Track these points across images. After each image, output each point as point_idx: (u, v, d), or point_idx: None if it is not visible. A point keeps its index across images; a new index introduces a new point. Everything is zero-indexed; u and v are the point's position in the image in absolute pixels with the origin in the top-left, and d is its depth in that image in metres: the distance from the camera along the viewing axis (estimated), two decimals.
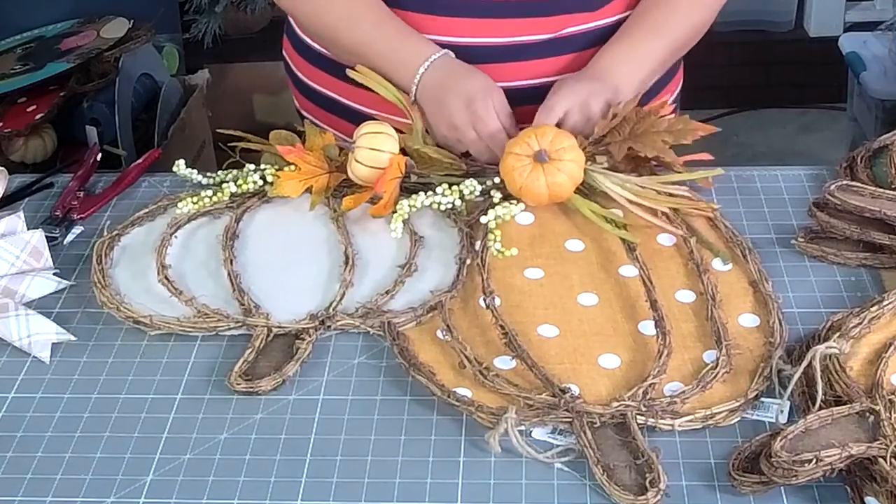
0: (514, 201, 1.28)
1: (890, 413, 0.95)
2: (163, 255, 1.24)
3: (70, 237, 1.32)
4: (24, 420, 1.06)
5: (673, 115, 1.45)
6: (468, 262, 1.20)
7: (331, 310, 1.15)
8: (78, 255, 1.28)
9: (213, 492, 0.97)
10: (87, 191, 1.40)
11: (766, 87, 3.58)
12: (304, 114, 1.53)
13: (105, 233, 1.29)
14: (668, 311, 1.12)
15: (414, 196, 1.27)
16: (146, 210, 1.33)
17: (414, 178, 1.31)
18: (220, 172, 1.37)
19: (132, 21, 2.58)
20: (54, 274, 1.24)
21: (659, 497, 0.92)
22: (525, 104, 1.34)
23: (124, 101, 2.42)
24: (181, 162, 1.37)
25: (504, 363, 1.08)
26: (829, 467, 0.91)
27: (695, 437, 1.00)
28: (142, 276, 1.22)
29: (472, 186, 1.29)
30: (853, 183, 1.26)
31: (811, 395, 1.00)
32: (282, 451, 1.01)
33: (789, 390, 1.01)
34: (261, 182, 1.34)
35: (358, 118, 1.40)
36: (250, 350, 1.10)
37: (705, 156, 1.31)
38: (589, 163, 1.28)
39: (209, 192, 1.32)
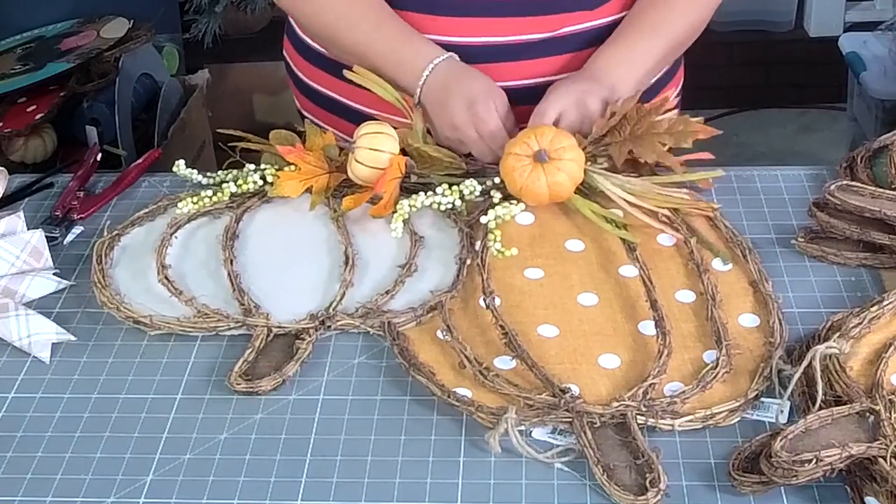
0: (514, 201, 1.28)
1: (890, 413, 0.95)
2: (163, 255, 1.24)
3: (70, 237, 1.32)
4: (24, 420, 1.06)
5: (676, 111, 1.45)
6: (468, 262, 1.20)
7: (331, 310, 1.15)
8: (78, 255, 1.28)
9: (213, 492, 0.97)
10: (87, 191, 1.40)
11: (766, 87, 3.58)
12: (305, 114, 1.53)
13: (105, 233, 1.29)
14: (668, 311, 1.12)
15: (414, 196, 1.27)
16: (146, 210, 1.33)
17: (414, 178, 1.31)
18: (220, 172, 1.37)
19: (132, 21, 2.58)
20: (54, 274, 1.24)
21: (659, 497, 0.92)
22: (524, 104, 1.34)
23: (124, 101, 2.42)
24: (181, 162, 1.37)
25: (504, 363, 1.08)
26: (829, 467, 0.91)
27: (695, 437, 1.00)
28: (142, 276, 1.22)
29: (472, 186, 1.29)
30: (853, 183, 1.26)
31: (811, 395, 1.00)
32: (282, 451, 1.01)
33: (789, 390, 1.01)
34: (261, 182, 1.34)
35: (358, 118, 1.40)
36: (250, 350, 1.10)
37: (705, 155, 1.31)
38: (589, 163, 1.28)
39: (209, 192, 1.32)
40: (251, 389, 1.06)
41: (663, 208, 1.26)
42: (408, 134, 1.34)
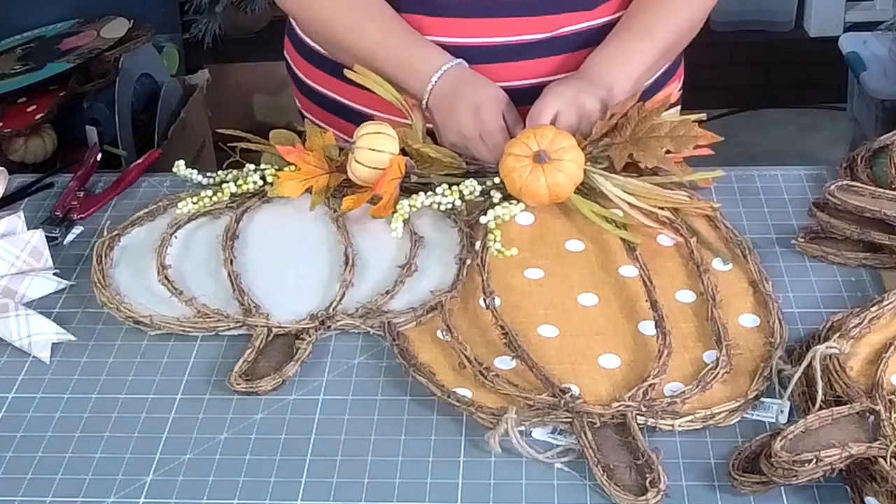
0: (514, 201, 1.28)
1: (890, 413, 0.95)
2: (163, 255, 1.24)
3: (70, 237, 1.32)
4: (24, 420, 1.06)
5: (678, 108, 1.45)
6: (468, 262, 1.20)
7: (331, 310, 1.15)
8: (78, 255, 1.28)
9: (213, 492, 0.97)
10: (87, 191, 1.40)
11: (766, 87, 3.57)
12: (305, 114, 1.53)
13: (105, 233, 1.29)
14: (669, 311, 1.12)
15: (414, 196, 1.27)
16: (146, 210, 1.33)
17: (414, 179, 1.31)
18: (220, 172, 1.37)
19: (132, 21, 2.58)
20: (54, 274, 1.24)
21: (659, 497, 0.92)
22: (523, 104, 1.34)
23: (124, 101, 2.43)
24: (181, 162, 1.37)
25: (504, 363, 1.08)
26: (829, 467, 0.91)
27: (695, 437, 1.00)
28: (142, 276, 1.22)
29: (472, 186, 1.29)
30: (853, 183, 1.26)
31: (811, 395, 1.00)
32: (282, 451, 1.01)
33: (789, 390, 1.01)
34: (261, 182, 1.34)
35: (358, 118, 1.40)
36: (250, 350, 1.10)
37: (705, 151, 1.31)
38: (589, 163, 1.28)
39: (209, 192, 1.32)
40: (251, 389, 1.06)
41: (663, 208, 1.26)
42: (408, 134, 1.34)
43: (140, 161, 1.44)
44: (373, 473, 0.98)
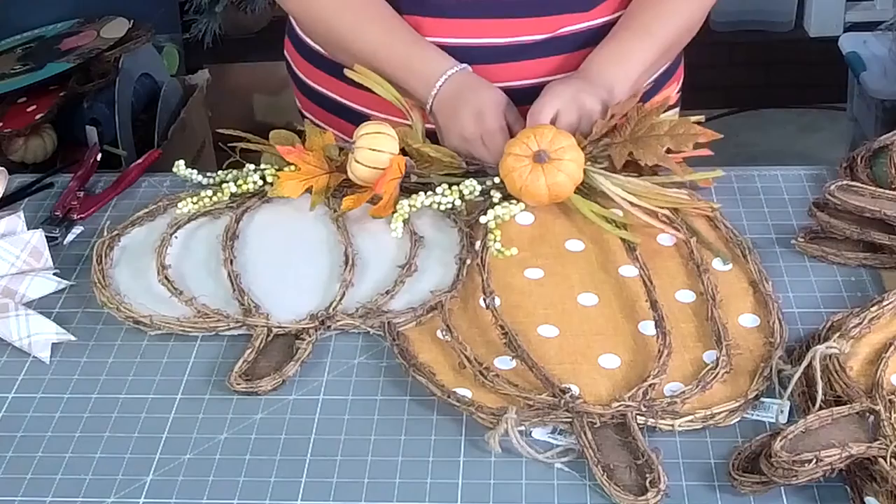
0: (514, 201, 1.28)
1: (890, 413, 0.95)
2: (163, 255, 1.24)
3: (70, 237, 1.32)
4: (24, 420, 1.06)
5: (677, 109, 1.45)
6: (468, 262, 1.20)
7: (331, 310, 1.15)
8: (78, 255, 1.28)
9: (213, 492, 0.97)
10: (87, 191, 1.40)
11: (766, 87, 3.58)
12: (306, 114, 1.53)
13: (105, 233, 1.29)
14: (669, 311, 1.12)
15: (414, 196, 1.27)
16: (146, 210, 1.33)
17: (414, 178, 1.31)
18: (220, 172, 1.37)
19: (132, 21, 2.58)
20: (54, 274, 1.24)
21: (659, 497, 0.92)
22: (523, 104, 1.34)
23: (124, 101, 2.43)
24: (181, 162, 1.37)
25: (504, 363, 1.08)
26: (829, 467, 0.91)
27: (695, 437, 1.00)
28: (142, 276, 1.22)
29: (472, 186, 1.29)
30: (853, 183, 1.26)
31: (811, 395, 1.00)
32: (282, 451, 1.01)
33: (789, 390, 1.01)
34: (261, 182, 1.34)
35: (358, 118, 1.40)
36: (250, 350, 1.10)
37: (705, 151, 1.31)
38: (589, 163, 1.28)
39: (209, 192, 1.32)
40: (251, 389, 1.06)
41: (663, 208, 1.26)
42: (408, 134, 1.34)
43: (140, 161, 1.44)
44: (373, 473, 0.98)
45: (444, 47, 1.36)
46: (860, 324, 1.06)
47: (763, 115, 3.54)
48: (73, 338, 1.15)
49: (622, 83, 1.33)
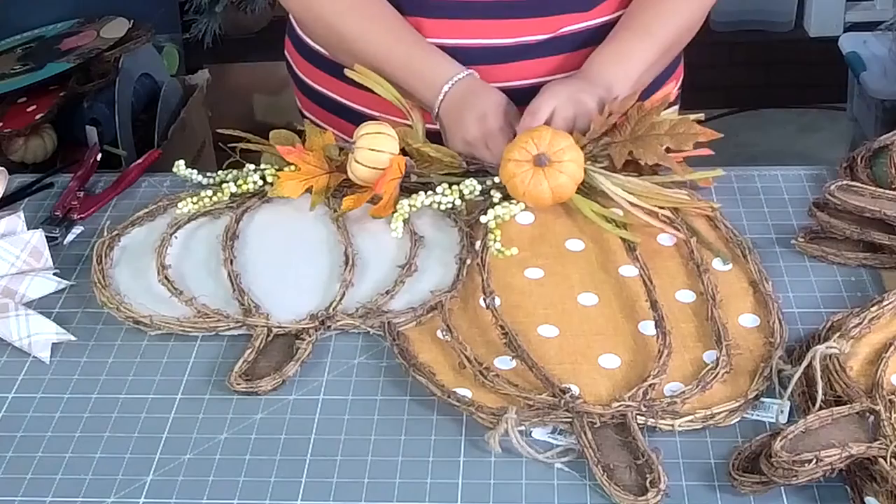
0: (514, 201, 1.28)
1: (890, 413, 0.95)
2: (163, 255, 1.24)
3: (70, 237, 1.32)
4: (24, 420, 1.06)
5: (677, 107, 1.45)
6: (468, 262, 1.20)
7: (331, 310, 1.15)
8: (78, 255, 1.28)
9: (213, 492, 0.97)
10: (87, 191, 1.40)
11: (766, 87, 3.58)
12: (306, 114, 1.53)
13: (105, 233, 1.29)
14: (669, 311, 1.12)
15: (414, 196, 1.27)
16: (146, 210, 1.33)
17: (414, 178, 1.31)
18: (220, 172, 1.37)
19: (132, 21, 2.58)
20: (54, 274, 1.24)
21: (659, 497, 0.92)
22: (523, 104, 1.34)
23: (124, 101, 2.43)
24: (181, 162, 1.37)
25: (504, 363, 1.08)
26: (829, 467, 0.91)
27: (695, 437, 1.00)
28: (142, 276, 1.22)
29: (472, 186, 1.29)
30: (853, 183, 1.26)
31: (811, 395, 1.00)
32: (282, 451, 1.01)
33: (789, 390, 1.01)
34: (261, 182, 1.34)
35: (358, 118, 1.40)
36: (250, 350, 1.10)
37: (705, 151, 1.31)
38: (589, 162, 1.28)
39: (209, 192, 1.32)
40: (251, 389, 1.06)
41: (663, 208, 1.26)
42: (408, 134, 1.34)
43: (140, 161, 1.44)
44: (373, 473, 0.98)
45: (444, 48, 1.36)
46: (860, 324, 1.06)
47: (763, 115, 3.54)
48: (73, 338, 1.15)
49: (622, 83, 1.33)
